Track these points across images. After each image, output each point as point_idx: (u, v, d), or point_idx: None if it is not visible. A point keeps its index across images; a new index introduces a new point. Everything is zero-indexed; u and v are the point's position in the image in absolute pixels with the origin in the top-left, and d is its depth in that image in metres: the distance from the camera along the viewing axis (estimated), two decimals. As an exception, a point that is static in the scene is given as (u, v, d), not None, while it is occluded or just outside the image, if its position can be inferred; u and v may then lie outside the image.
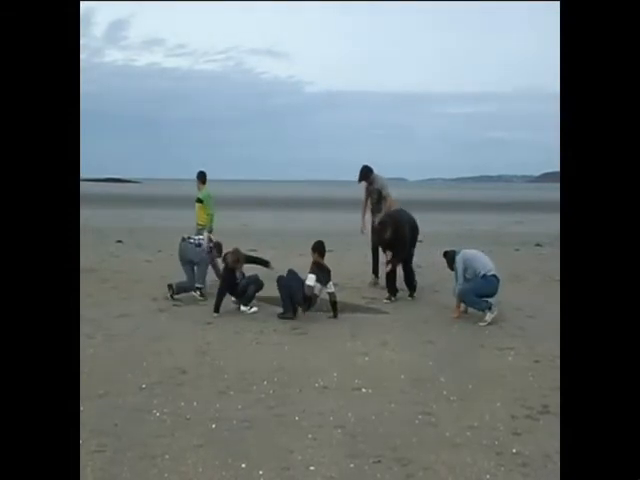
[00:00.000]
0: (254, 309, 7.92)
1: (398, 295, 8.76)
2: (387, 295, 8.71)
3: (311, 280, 7.38)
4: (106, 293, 8.77)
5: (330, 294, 7.57)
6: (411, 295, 8.91)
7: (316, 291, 7.47)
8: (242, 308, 7.91)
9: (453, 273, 7.79)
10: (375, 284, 9.67)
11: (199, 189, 9.48)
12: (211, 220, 9.39)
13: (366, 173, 9.60)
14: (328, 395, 4.91)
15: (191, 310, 7.97)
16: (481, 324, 7.24)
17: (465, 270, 7.60)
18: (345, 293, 9.06)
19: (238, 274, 8.12)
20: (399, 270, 8.76)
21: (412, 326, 7.19)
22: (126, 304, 8.27)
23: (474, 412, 4.56)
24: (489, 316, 7.29)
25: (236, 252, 8.11)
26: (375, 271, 9.79)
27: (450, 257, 7.86)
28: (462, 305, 7.69)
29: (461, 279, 7.57)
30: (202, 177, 9.42)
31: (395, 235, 8.42)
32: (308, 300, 7.45)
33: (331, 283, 7.61)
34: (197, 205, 9.47)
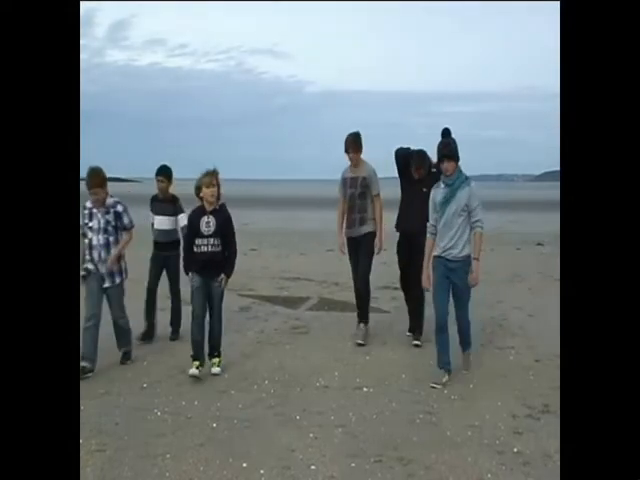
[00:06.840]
0: (216, 369, 5.34)
1: (399, 296, 7.47)
2: (415, 335, 6.39)
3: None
4: (107, 292, 8.74)
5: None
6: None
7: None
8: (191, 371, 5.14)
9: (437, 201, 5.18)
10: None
11: None
12: None
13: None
14: (329, 394, 4.91)
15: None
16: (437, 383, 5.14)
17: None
18: (346, 293, 9.06)
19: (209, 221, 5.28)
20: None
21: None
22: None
23: (475, 411, 4.56)
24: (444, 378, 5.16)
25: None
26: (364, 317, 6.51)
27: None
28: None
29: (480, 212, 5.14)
30: None
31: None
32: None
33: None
34: None
